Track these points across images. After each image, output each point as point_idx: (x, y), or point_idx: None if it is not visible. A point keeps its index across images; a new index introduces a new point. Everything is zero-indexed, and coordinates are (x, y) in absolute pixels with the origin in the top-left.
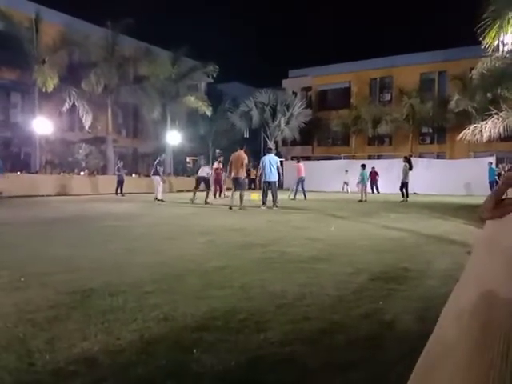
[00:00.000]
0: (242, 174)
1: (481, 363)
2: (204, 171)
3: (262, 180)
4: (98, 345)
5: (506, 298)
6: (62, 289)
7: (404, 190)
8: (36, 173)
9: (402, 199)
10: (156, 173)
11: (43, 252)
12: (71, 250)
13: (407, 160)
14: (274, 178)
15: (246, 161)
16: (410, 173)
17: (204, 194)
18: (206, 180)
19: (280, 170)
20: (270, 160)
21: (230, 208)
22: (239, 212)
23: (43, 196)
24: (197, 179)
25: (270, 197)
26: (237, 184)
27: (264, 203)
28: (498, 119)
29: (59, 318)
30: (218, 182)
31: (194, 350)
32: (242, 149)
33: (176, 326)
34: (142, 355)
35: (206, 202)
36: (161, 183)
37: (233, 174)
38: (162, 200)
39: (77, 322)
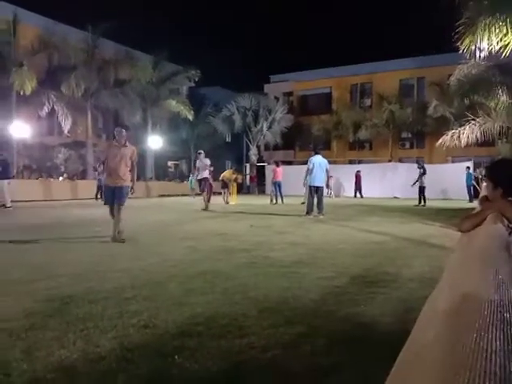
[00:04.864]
0: (126, 182)
1: (452, 363)
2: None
3: (308, 184)
4: (76, 353)
5: (476, 298)
6: (40, 296)
7: (422, 195)
8: (13, 178)
9: (422, 204)
10: (4, 176)
11: (21, 259)
12: (51, 257)
13: (421, 166)
14: (323, 182)
15: (134, 157)
16: (390, 177)
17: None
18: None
19: (328, 175)
20: (320, 162)
21: (120, 240)
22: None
23: (21, 201)
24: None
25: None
26: (115, 196)
27: (309, 212)
28: (475, 125)
29: (37, 326)
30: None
31: (176, 357)
32: (114, 138)
33: (157, 332)
34: (121, 363)
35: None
36: (6, 188)
37: (107, 182)
38: (5, 206)
39: (55, 330)
